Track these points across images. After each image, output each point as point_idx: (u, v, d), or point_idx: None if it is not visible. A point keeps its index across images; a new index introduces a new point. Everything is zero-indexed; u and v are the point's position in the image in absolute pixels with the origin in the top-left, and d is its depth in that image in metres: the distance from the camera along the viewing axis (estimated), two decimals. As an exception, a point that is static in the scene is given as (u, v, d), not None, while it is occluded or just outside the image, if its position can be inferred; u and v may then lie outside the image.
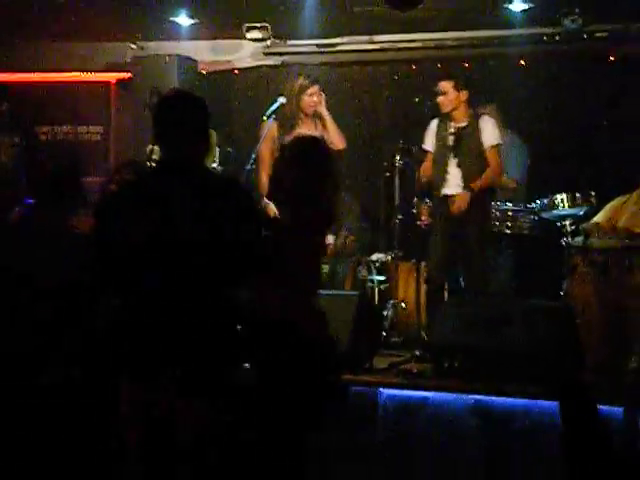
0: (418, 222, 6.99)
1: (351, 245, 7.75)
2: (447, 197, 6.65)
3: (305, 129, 6.79)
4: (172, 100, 3.52)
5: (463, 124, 6.67)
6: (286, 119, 6.80)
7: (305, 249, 3.65)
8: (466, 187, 6.57)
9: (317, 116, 6.85)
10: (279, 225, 3.72)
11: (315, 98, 6.79)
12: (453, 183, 6.64)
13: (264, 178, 6.57)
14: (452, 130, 6.65)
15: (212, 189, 3.37)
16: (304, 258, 3.65)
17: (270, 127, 6.76)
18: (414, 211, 7.06)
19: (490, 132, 6.68)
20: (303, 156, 3.70)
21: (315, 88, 6.80)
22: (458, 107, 6.66)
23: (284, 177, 3.69)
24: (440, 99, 6.68)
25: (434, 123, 6.83)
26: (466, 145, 6.62)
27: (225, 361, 3.42)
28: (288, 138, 6.66)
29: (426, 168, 6.86)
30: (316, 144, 3.85)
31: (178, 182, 3.35)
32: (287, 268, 3.62)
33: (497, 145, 6.69)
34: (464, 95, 6.65)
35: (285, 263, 3.62)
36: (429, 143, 6.84)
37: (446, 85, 6.66)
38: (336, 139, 6.75)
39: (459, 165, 6.62)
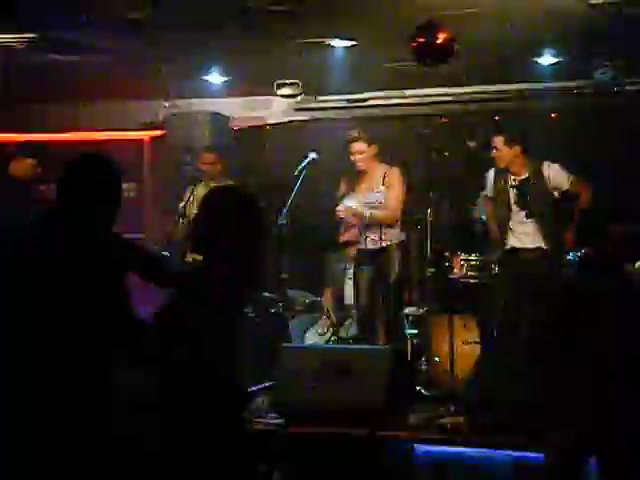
0: (451, 276, 6.93)
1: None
2: (515, 250, 6.63)
3: (370, 181, 6.87)
4: (76, 162, 3.64)
5: (524, 176, 6.67)
6: (349, 173, 6.90)
7: (221, 307, 3.58)
8: (546, 238, 6.54)
9: (385, 168, 6.92)
10: (196, 279, 3.65)
11: (356, 157, 6.85)
12: (520, 235, 6.63)
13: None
14: (514, 183, 6.67)
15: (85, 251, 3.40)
16: (219, 317, 3.57)
17: (340, 187, 6.96)
18: (447, 264, 7.02)
19: (560, 173, 6.66)
20: (217, 208, 3.66)
21: (358, 145, 6.88)
22: (514, 161, 6.66)
23: (200, 229, 3.66)
24: (494, 154, 6.70)
25: (491, 174, 6.83)
26: (534, 196, 6.61)
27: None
28: (356, 189, 6.81)
29: (490, 215, 6.87)
30: (235, 197, 3.77)
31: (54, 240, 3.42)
32: (200, 325, 3.55)
33: (574, 178, 6.66)
34: (517, 150, 6.65)
35: (199, 320, 3.55)
36: (490, 191, 6.85)
37: (497, 140, 6.69)
38: (391, 204, 6.83)
39: (531, 216, 6.60)
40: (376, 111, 9.03)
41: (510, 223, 6.65)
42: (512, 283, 6.60)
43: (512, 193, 6.66)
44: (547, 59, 7.70)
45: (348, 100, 9.01)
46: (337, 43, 7.24)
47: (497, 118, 8.49)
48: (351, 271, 7.19)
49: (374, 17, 6.60)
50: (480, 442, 5.38)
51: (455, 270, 7.02)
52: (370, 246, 6.86)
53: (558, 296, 4.40)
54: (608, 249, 4.18)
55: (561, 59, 7.67)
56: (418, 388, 6.67)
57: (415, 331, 7.30)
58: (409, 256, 7.04)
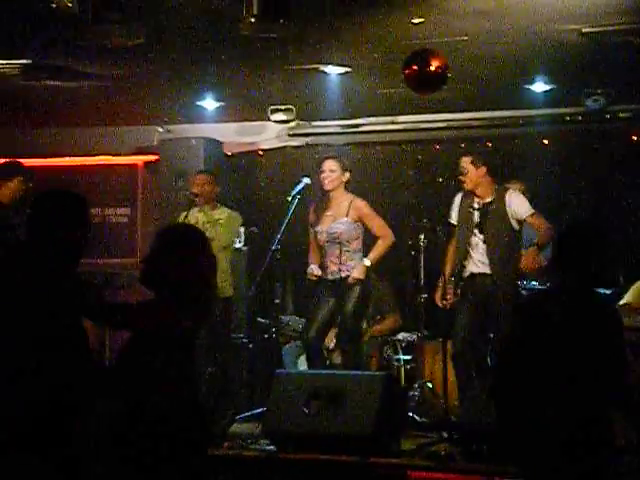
0: (443, 302, 6.88)
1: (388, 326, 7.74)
2: (473, 275, 6.56)
3: (335, 211, 6.81)
4: (42, 197, 3.76)
5: (488, 199, 6.59)
6: (319, 199, 6.87)
7: (169, 337, 3.61)
8: (494, 263, 6.45)
9: (351, 199, 6.83)
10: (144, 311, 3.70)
11: (326, 174, 6.78)
12: (478, 260, 6.54)
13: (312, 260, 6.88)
14: (477, 206, 6.59)
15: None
16: (168, 346, 3.61)
17: (310, 212, 6.89)
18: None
19: (521, 203, 6.55)
20: (169, 243, 3.72)
21: (327, 164, 6.80)
22: (480, 183, 6.60)
23: (155, 261, 3.71)
24: (460, 176, 6.66)
25: (458, 197, 6.75)
26: (493, 221, 6.53)
27: None
28: (322, 219, 6.80)
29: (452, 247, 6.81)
30: (187, 232, 3.88)
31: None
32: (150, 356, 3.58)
33: (534, 212, 6.54)
34: (483, 171, 6.59)
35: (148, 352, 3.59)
36: (454, 217, 6.76)
37: (464, 161, 6.65)
38: (381, 232, 6.78)
39: (485, 241, 6.55)
40: (370, 137, 9.06)
41: (471, 248, 6.56)
42: (472, 309, 6.52)
43: (475, 216, 6.60)
44: (539, 86, 7.74)
45: (342, 126, 9.04)
46: (331, 70, 7.27)
47: (489, 144, 8.54)
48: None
49: (367, 44, 6.64)
50: (473, 469, 5.36)
51: (448, 296, 6.99)
52: (330, 277, 6.80)
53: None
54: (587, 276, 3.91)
55: (553, 86, 7.71)
56: (411, 414, 6.66)
57: (408, 357, 7.29)
58: (369, 287, 6.95)
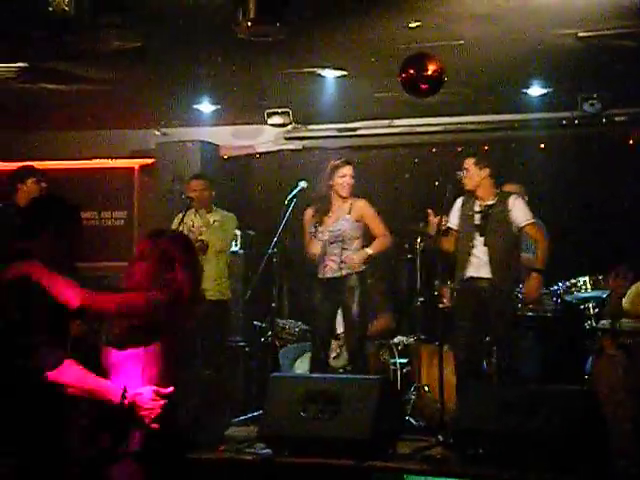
0: (440, 305, 6.91)
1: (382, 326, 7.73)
2: (472, 279, 6.54)
3: (337, 212, 6.82)
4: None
5: (490, 202, 6.58)
6: (320, 203, 6.86)
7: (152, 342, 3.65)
8: (494, 269, 6.48)
9: (351, 200, 6.86)
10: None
11: (347, 179, 6.82)
12: (478, 264, 6.52)
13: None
14: (478, 208, 6.59)
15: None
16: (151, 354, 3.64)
17: (306, 213, 6.88)
18: (436, 294, 6.99)
19: (522, 210, 6.56)
20: (155, 250, 3.75)
21: (347, 169, 6.84)
22: (481, 184, 6.59)
23: (135, 267, 3.76)
24: (464, 175, 6.60)
25: (459, 202, 6.73)
26: (494, 224, 6.52)
27: None
28: (324, 221, 6.80)
29: (449, 244, 6.73)
30: (177, 240, 3.91)
31: None
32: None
33: (534, 222, 6.59)
34: (485, 172, 6.59)
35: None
36: (454, 221, 6.73)
37: (468, 162, 6.65)
38: (381, 232, 6.80)
39: (486, 244, 6.53)
40: (366, 140, 9.06)
41: (472, 251, 6.54)
42: (472, 314, 6.51)
43: (476, 219, 6.59)
44: (536, 90, 7.75)
45: (339, 129, 9.04)
46: (327, 73, 7.28)
47: (486, 148, 8.54)
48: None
49: (364, 48, 6.65)
50: (469, 473, 5.36)
51: (444, 300, 7.00)
52: (328, 275, 6.81)
53: None
54: None
55: (549, 90, 7.73)
56: (407, 418, 6.66)
57: (404, 360, 7.29)
58: (367, 286, 6.96)
